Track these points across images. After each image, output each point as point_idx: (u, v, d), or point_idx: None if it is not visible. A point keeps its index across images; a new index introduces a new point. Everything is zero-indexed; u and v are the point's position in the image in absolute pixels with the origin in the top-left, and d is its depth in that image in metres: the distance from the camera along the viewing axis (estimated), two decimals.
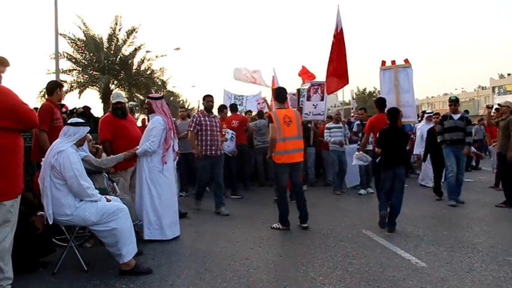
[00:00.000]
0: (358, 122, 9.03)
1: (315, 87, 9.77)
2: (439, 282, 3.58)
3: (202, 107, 7.41)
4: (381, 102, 6.77)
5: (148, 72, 24.60)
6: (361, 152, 6.87)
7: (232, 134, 8.39)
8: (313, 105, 9.68)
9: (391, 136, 5.61)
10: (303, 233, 5.39)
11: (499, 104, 8.22)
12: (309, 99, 9.79)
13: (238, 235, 5.25)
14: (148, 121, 9.88)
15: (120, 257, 3.71)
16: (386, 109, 6.17)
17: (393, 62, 7.43)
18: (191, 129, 6.68)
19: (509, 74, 56.71)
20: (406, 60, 7.36)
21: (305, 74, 12.00)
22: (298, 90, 9.59)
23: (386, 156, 5.61)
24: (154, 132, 4.93)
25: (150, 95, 5.48)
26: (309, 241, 4.96)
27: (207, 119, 6.73)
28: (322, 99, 9.84)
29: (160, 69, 26.05)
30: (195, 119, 6.75)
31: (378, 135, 5.95)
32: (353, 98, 15.32)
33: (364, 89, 56.55)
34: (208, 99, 6.89)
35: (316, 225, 5.67)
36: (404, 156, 5.77)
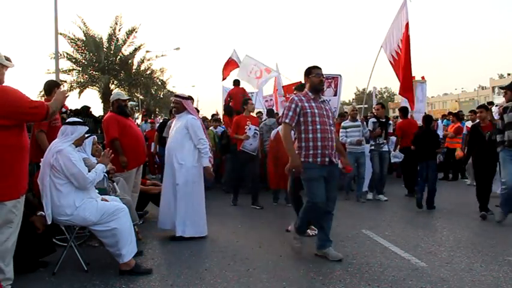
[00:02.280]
0: (373, 119, 8.02)
1: (329, 80, 8.90)
2: (439, 282, 3.58)
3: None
4: (405, 110, 8.43)
5: (148, 72, 24.67)
6: (396, 150, 8.11)
7: (256, 130, 7.29)
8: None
9: (425, 137, 7.05)
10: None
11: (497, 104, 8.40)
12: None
13: (238, 235, 5.25)
14: (152, 122, 9.62)
15: (120, 257, 3.71)
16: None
17: (413, 77, 8.93)
18: (286, 120, 4.11)
19: (509, 74, 56.70)
20: (423, 77, 9.47)
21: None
22: None
23: (421, 152, 7.01)
24: (199, 132, 4.98)
25: (180, 94, 5.32)
26: (309, 241, 4.95)
27: (313, 104, 4.15)
28: (335, 95, 8.99)
29: (160, 69, 26.08)
30: (293, 105, 4.12)
31: (414, 136, 7.28)
32: (375, 97, 14.53)
33: (364, 89, 56.60)
34: (317, 72, 4.25)
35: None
36: (434, 153, 7.10)
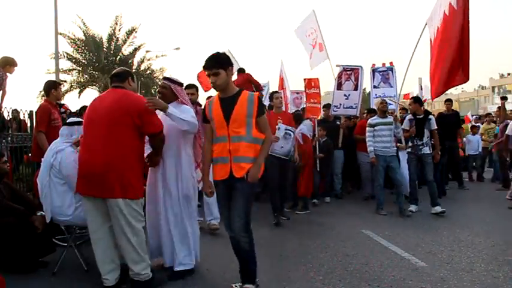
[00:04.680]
0: (410, 116, 6.79)
1: (348, 72, 8.05)
2: (439, 282, 3.58)
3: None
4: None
5: (148, 72, 24.64)
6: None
7: (287, 130, 5.94)
8: (345, 95, 7.98)
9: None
10: (303, 233, 5.39)
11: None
12: (339, 87, 8.02)
13: None
14: None
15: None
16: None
17: (383, 64, 8.61)
18: None
19: (509, 74, 56.68)
20: (391, 63, 8.42)
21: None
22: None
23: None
24: (193, 118, 3.63)
25: (170, 77, 3.90)
26: (309, 241, 4.96)
27: None
28: (355, 89, 8.05)
29: (160, 69, 26.05)
30: None
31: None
32: (421, 88, 11.44)
33: (364, 89, 56.53)
34: None
35: (316, 225, 5.66)
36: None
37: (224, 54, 3.34)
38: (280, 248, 4.68)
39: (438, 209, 6.30)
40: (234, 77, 9.50)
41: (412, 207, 6.56)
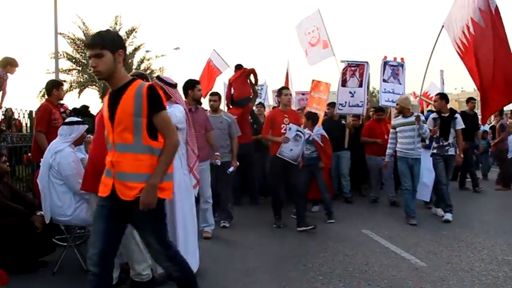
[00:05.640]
0: (434, 115, 6.17)
1: (352, 68, 7.63)
2: (439, 282, 3.58)
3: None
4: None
5: (148, 72, 24.65)
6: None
7: (299, 131, 5.45)
8: (350, 92, 7.50)
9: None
10: (303, 233, 5.38)
11: None
12: (344, 84, 7.53)
13: (238, 235, 5.25)
14: None
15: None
16: None
17: (394, 58, 7.89)
18: None
19: None
20: (402, 59, 7.86)
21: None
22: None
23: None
24: (180, 113, 3.53)
25: (164, 78, 3.72)
26: (309, 241, 4.96)
27: None
28: (361, 85, 7.55)
29: (160, 69, 26.05)
30: None
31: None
32: (443, 83, 10.59)
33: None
34: None
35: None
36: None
37: (114, 32, 2.49)
38: (280, 248, 4.68)
39: (440, 211, 6.12)
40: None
41: (448, 216, 5.85)
